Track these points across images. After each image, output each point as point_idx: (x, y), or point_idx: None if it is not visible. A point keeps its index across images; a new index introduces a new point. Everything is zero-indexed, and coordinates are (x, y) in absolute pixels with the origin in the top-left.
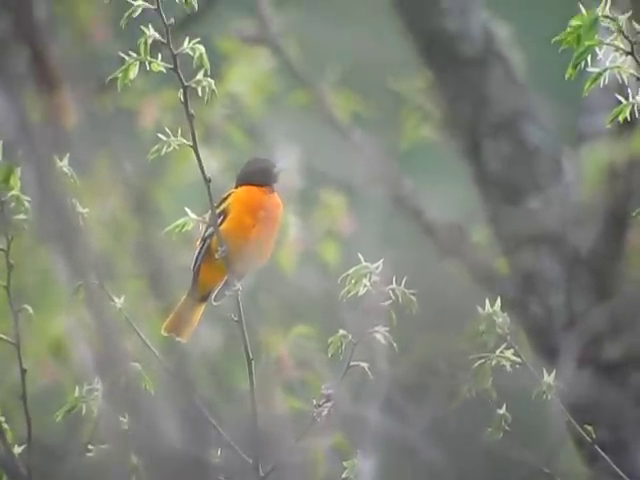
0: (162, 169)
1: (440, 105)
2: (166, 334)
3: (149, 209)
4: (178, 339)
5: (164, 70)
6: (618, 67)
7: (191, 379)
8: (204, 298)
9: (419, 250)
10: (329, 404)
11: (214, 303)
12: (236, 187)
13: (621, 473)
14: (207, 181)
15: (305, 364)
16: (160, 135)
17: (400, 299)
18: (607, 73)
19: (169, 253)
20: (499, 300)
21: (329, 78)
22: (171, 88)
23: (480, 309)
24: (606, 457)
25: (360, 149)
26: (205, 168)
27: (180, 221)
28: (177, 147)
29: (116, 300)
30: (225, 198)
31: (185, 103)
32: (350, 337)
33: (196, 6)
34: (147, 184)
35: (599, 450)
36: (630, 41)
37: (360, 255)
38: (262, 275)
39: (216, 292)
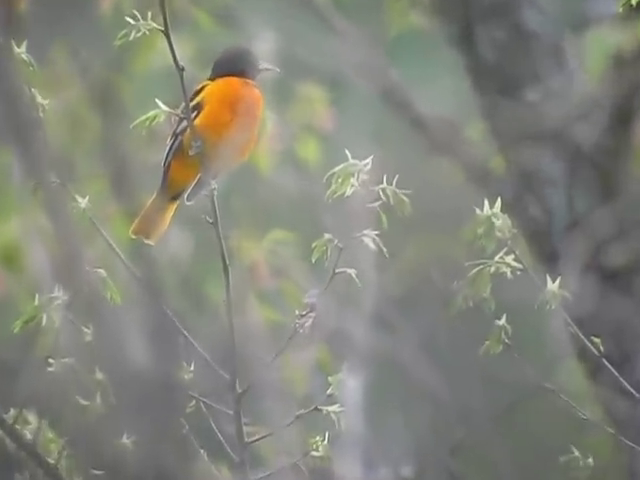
0: (125, 59)
1: None
2: (134, 236)
3: (112, 102)
4: (146, 242)
5: None
6: None
7: (160, 287)
8: (174, 198)
9: (409, 147)
10: (312, 314)
11: (187, 202)
12: (211, 79)
13: (628, 386)
14: (180, 69)
15: (283, 272)
16: (128, 19)
17: (391, 200)
18: None
19: (135, 150)
20: (499, 200)
21: None
22: None
23: (478, 210)
24: (613, 370)
25: (343, 37)
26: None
27: (150, 114)
28: (147, 32)
29: (80, 200)
30: (199, 90)
31: None
32: (336, 241)
33: None
34: (109, 74)
35: (607, 363)
36: None
37: (347, 152)
38: (235, 175)
39: (189, 191)
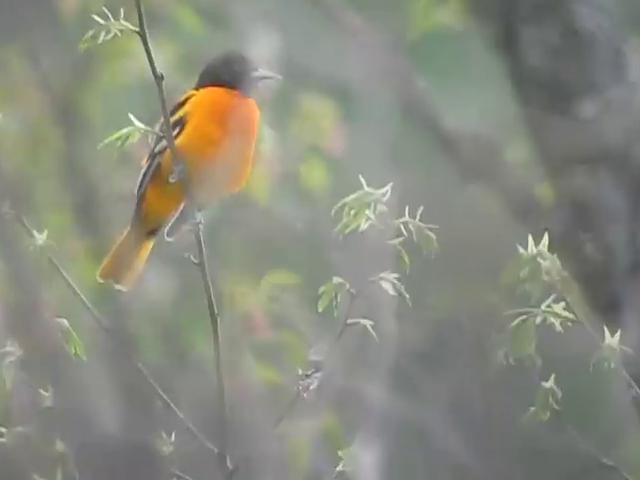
0: (92, 67)
1: None
2: (102, 280)
3: (77, 117)
4: (117, 287)
5: None
6: None
7: (134, 339)
8: (151, 233)
9: (436, 172)
10: (319, 374)
11: (167, 239)
12: (197, 89)
13: None
14: (158, 77)
15: (283, 323)
16: (96, 17)
17: (414, 236)
18: None
19: (104, 175)
20: (547, 237)
21: None
22: None
23: (521, 249)
24: None
25: (356, 38)
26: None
27: (122, 132)
28: (119, 34)
29: (36, 235)
30: (182, 103)
31: None
32: (348, 286)
33: None
34: (74, 85)
35: None
36: None
37: (361, 178)
38: (226, 204)
39: (169, 226)
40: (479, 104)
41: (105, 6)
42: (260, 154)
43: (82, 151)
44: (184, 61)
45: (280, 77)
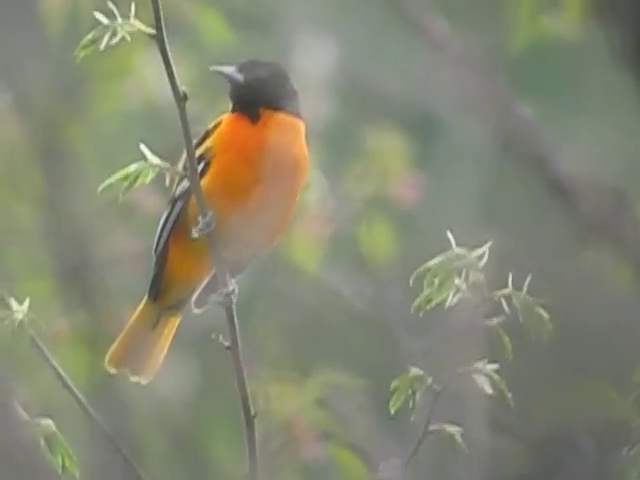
0: (84, 87)
1: None
2: (113, 370)
3: (62, 155)
4: (134, 379)
5: None
6: None
7: (140, 448)
8: (175, 307)
9: (544, 230)
10: None
11: (195, 311)
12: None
13: None
14: (181, 99)
15: (337, 434)
16: (99, 16)
17: (520, 314)
18: None
19: (99, 231)
20: None
21: None
22: None
23: None
24: None
25: (444, 52)
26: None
27: (131, 169)
28: (128, 37)
29: (15, 306)
30: (209, 132)
31: None
32: (430, 380)
33: None
34: (59, 112)
35: None
36: None
37: (449, 234)
38: (265, 271)
39: (197, 293)
40: (602, 139)
41: (96, 5)
42: (306, 205)
43: (70, 198)
44: (209, 80)
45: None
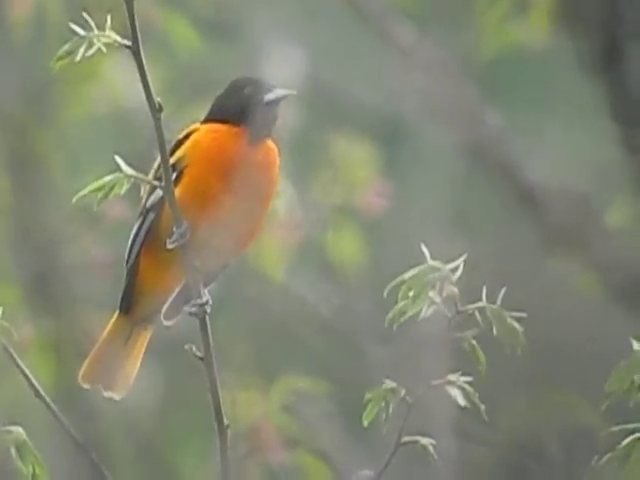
0: (52, 95)
1: None
2: (87, 386)
3: (30, 162)
4: (107, 394)
5: None
6: None
7: (107, 455)
8: (147, 320)
9: (513, 239)
10: None
11: (165, 323)
12: (204, 123)
13: None
14: (156, 110)
15: (303, 441)
16: (75, 27)
17: (494, 327)
18: None
19: (66, 239)
20: None
21: None
22: None
23: (636, 344)
24: None
25: (411, 59)
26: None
27: (106, 180)
28: (104, 48)
29: None
30: (180, 142)
31: None
32: (403, 392)
33: None
34: (27, 118)
35: None
36: None
37: (424, 247)
38: (231, 279)
39: (166, 305)
40: (569, 147)
41: (67, 10)
42: (274, 212)
43: (37, 205)
44: (176, 86)
45: (294, 92)
